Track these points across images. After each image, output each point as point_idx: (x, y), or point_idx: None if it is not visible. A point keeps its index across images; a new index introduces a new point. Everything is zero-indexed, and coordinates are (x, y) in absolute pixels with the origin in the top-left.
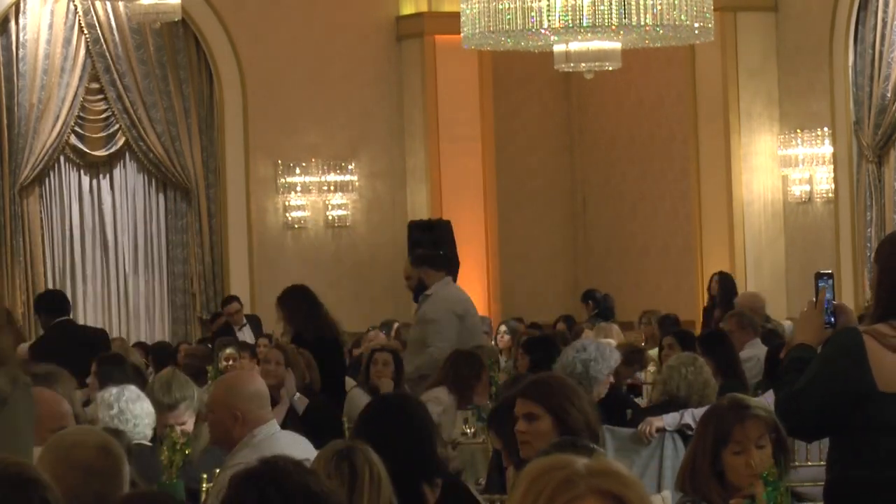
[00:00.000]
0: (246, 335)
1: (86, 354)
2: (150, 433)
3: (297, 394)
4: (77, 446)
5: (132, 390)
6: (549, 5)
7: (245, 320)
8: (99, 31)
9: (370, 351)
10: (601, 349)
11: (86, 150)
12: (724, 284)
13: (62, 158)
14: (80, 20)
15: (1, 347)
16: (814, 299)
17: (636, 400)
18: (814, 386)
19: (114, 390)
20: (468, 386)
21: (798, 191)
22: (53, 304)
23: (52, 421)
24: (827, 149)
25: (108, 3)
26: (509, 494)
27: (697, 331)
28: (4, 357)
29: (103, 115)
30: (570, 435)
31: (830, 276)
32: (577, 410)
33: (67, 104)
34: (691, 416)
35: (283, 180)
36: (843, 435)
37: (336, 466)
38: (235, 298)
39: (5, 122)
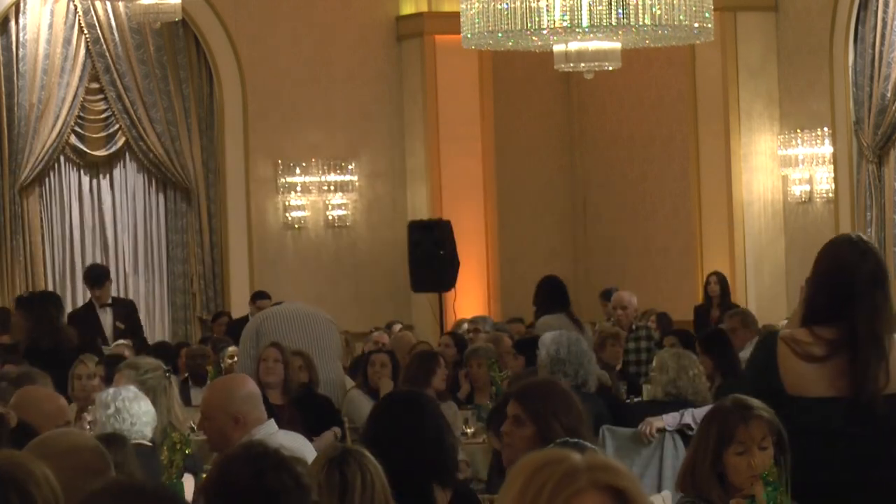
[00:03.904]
0: None
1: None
2: (149, 433)
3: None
4: (75, 450)
5: (130, 390)
6: (549, 5)
7: None
8: (99, 31)
9: (365, 353)
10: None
11: (86, 150)
12: (724, 284)
13: (62, 158)
14: (79, 20)
15: None
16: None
17: (636, 400)
18: (741, 387)
19: (111, 390)
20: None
21: (798, 191)
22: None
23: (59, 417)
24: (827, 149)
25: (108, 3)
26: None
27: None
28: None
29: (103, 115)
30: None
31: None
32: (561, 427)
33: (67, 104)
34: (691, 416)
35: (283, 180)
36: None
37: (327, 475)
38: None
39: (5, 122)
